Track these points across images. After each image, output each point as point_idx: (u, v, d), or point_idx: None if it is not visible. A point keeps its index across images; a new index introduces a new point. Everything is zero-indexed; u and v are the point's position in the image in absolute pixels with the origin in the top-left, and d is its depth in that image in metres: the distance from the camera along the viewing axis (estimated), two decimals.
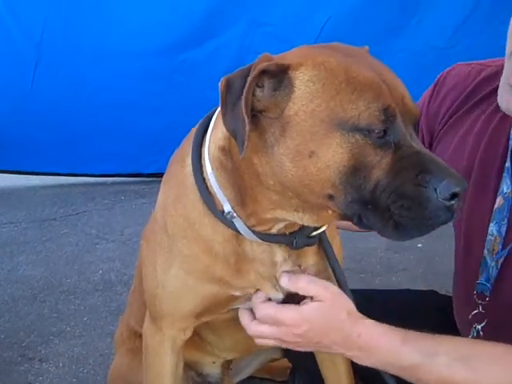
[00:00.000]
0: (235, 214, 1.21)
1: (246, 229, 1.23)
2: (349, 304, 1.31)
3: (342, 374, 1.61)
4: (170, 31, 4.62)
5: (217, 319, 1.47)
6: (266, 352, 1.98)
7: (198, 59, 4.74)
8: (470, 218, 1.54)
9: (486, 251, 1.49)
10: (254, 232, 1.23)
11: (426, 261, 3.07)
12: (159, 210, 1.37)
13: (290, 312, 1.29)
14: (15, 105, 4.77)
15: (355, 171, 1.05)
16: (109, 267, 3.28)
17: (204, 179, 1.24)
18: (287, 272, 1.31)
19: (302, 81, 1.07)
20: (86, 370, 2.32)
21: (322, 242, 1.33)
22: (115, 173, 4.95)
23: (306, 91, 1.06)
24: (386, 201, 1.04)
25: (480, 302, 1.51)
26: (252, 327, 1.33)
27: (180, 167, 1.31)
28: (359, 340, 1.30)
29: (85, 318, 2.73)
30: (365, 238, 3.01)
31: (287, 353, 1.91)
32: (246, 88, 1.03)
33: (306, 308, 1.29)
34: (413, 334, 1.32)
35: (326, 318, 1.29)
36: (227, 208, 1.21)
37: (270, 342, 1.36)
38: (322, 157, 1.05)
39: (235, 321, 1.43)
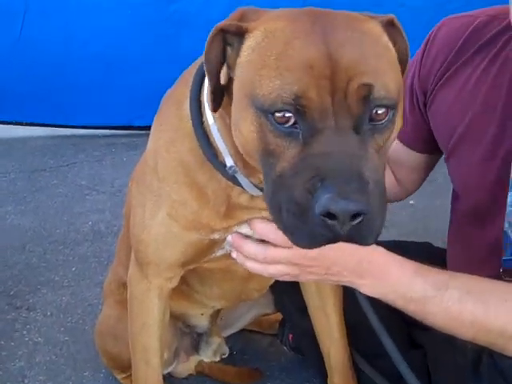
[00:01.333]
0: (237, 169, 1.15)
1: (249, 184, 1.17)
2: None
3: (333, 325, 1.60)
4: None
5: (203, 267, 1.45)
6: (258, 307, 1.97)
7: (189, 10, 4.65)
8: (479, 187, 1.48)
9: (506, 224, 1.41)
10: (256, 186, 1.18)
11: (418, 217, 3.05)
12: (150, 152, 1.32)
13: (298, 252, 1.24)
14: (3, 54, 4.68)
15: (266, 155, 0.96)
16: (99, 218, 3.24)
17: (204, 129, 1.18)
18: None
19: (247, 47, 0.99)
20: (74, 320, 2.30)
21: None
22: (105, 125, 4.89)
23: (245, 59, 0.99)
24: (280, 198, 0.95)
25: (509, 278, 1.41)
26: (266, 267, 1.28)
27: (175, 110, 1.25)
28: (370, 266, 1.27)
29: (73, 268, 2.71)
30: None
31: (279, 306, 1.90)
32: (206, 44, 0.99)
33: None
34: (425, 267, 1.30)
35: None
36: (229, 162, 1.15)
37: (286, 277, 1.32)
38: (242, 131, 0.99)
39: (222, 268, 1.42)
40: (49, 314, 2.35)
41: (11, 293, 2.52)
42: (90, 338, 2.10)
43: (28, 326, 2.27)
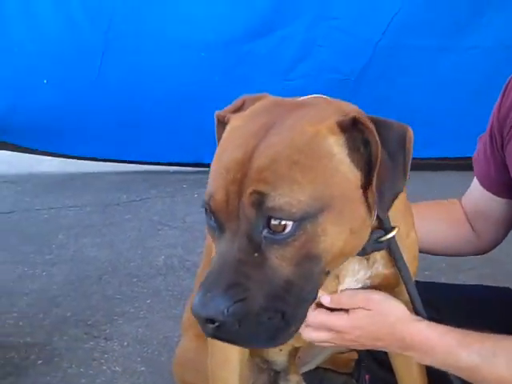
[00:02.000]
0: None
1: None
2: (398, 308, 1.29)
3: (416, 376, 1.59)
4: (234, 23, 4.65)
5: None
6: None
7: (261, 51, 4.75)
8: None
9: None
10: None
11: (494, 260, 3.00)
12: None
13: (339, 320, 1.28)
14: (81, 92, 4.87)
15: None
16: (171, 253, 3.31)
17: None
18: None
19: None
20: (150, 350, 2.35)
21: (390, 247, 1.25)
22: (177, 161, 5.01)
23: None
24: None
25: None
26: (306, 333, 1.32)
27: None
28: (413, 343, 1.28)
29: (148, 301, 2.77)
30: None
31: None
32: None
33: (354, 316, 1.28)
34: (469, 335, 1.29)
35: (375, 325, 1.28)
36: None
37: (327, 345, 1.37)
38: None
39: None
40: (125, 344, 2.41)
41: (89, 322, 2.59)
42: (167, 369, 2.14)
43: (106, 356, 2.33)
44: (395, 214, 1.26)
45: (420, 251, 1.41)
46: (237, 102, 1.10)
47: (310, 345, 1.77)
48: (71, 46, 4.83)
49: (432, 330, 1.30)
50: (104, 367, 2.25)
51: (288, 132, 0.94)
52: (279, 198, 0.90)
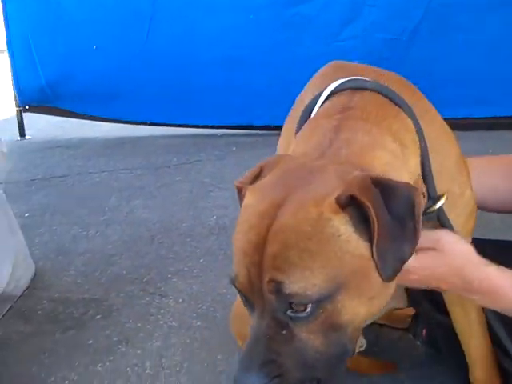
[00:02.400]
0: None
1: None
2: (468, 251, 1.25)
3: (473, 320, 1.57)
4: None
5: None
6: (392, 301, 1.95)
7: (311, 13, 4.70)
8: None
9: None
10: None
11: None
12: None
13: (413, 258, 1.25)
14: (131, 58, 4.91)
15: None
16: (223, 213, 3.33)
17: None
18: None
19: None
20: (204, 307, 2.37)
21: (439, 217, 1.25)
22: (226, 124, 5.01)
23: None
24: None
25: None
26: None
27: None
28: (481, 287, 1.26)
29: (201, 260, 2.79)
30: None
31: (413, 301, 1.88)
32: None
33: (423, 256, 1.25)
34: None
35: (443, 267, 1.24)
36: None
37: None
38: None
39: None
40: (181, 300, 2.44)
41: (144, 280, 2.63)
42: (222, 325, 2.17)
43: (162, 311, 2.36)
44: (446, 176, 1.26)
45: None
46: (254, 171, 1.08)
47: None
48: (119, 11, 4.86)
49: (502, 272, 1.27)
50: (161, 322, 2.29)
51: (294, 215, 0.94)
52: (294, 285, 0.92)
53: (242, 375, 0.96)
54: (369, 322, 1.14)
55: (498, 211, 1.85)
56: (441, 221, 1.25)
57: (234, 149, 4.62)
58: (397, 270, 0.97)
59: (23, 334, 2.26)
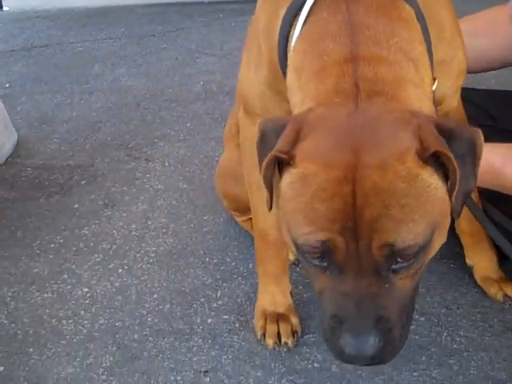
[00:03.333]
0: None
1: None
2: None
3: None
4: None
5: None
6: None
7: None
8: None
9: None
10: None
11: None
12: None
13: None
14: None
15: None
16: (210, 79, 3.23)
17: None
18: None
19: (287, 177, 0.98)
20: (191, 170, 2.33)
21: None
22: None
23: (284, 187, 0.99)
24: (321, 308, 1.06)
25: None
26: None
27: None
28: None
29: (188, 124, 2.73)
30: None
31: None
32: (263, 166, 0.98)
33: None
34: None
35: None
36: None
37: None
38: None
39: None
40: (167, 164, 2.39)
41: (129, 145, 2.57)
42: (209, 187, 2.14)
43: (148, 175, 2.32)
44: (443, 46, 1.19)
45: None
46: (290, 135, 0.97)
47: None
48: None
49: (495, 151, 1.25)
50: (147, 186, 2.25)
51: (383, 176, 0.91)
52: (405, 240, 0.93)
53: (357, 342, 0.98)
54: None
55: (485, 71, 1.79)
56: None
57: (221, 15, 4.44)
58: (463, 207, 0.98)
59: (7, 200, 2.22)
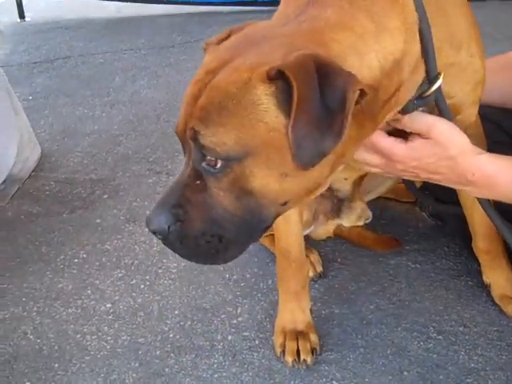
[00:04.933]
0: None
1: None
2: (461, 141, 1.20)
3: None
4: None
5: None
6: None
7: None
8: None
9: None
10: None
11: None
12: None
13: (395, 147, 1.20)
14: None
15: None
16: None
17: None
18: None
19: None
20: None
21: (437, 101, 1.18)
22: (230, 1, 4.83)
23: None
24: None
25: None
26: (359, 153, 1.24)
27: None
28: (474, 178, 1.22)
29: None
30: None
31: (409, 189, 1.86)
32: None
33: (411, 145, 1.20)
34: None
35: (433, 157, 1.21)
36: None
37: (376, 171, 1.31)
38: None
39: None
40: None
41: (150, 159, 2.61)
42: None
43: None
44: (453, 44, 1.18)
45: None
46: (222, 34, 1.11)
47: (373, 175, 1.75)
48: None
49: (494, 161, 1.24)
50: None
51: (227, 76, 0.96)
52: (207, 138, 0.96)
53: (153, 214, 1.06)
54: (296, 206, 1.17)
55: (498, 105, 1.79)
56: (439, 106, 1.19)
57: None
58: (313, 161, 0.95)
59: (32, 214, 2.27)
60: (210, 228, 1.05)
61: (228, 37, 1.10)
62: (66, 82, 3.64)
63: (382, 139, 1.21)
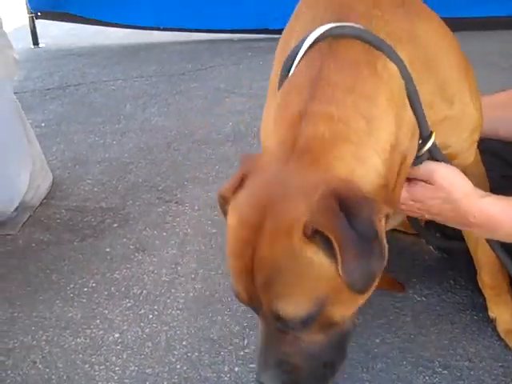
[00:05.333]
0: None
1: None
2: (464, 184, 1.24)
3: None
4: None
5: None
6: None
7: None
8: None
9: None
10: None
11: None
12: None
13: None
14: None
15: None
16: (239, 119, 3.30)
17: None
18: None
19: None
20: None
21: (432, 154, 1.22)
22: (241, 28, 4.89)
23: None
24: None
25: None
26: None
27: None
28: (477, 220, 1.25)
29: (217, 167, 2.79)
30: None
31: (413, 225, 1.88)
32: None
33: (413, 190, 1.25)
34: None
35: (436, 200, 1.25)
36: None
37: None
38: None
39: None
40: (196, 208, 2.46)
41: (160, 187, 2.65)
42: None
43: (178, 219, 2.39)
44: (444, 100, 1.21)
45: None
46: (236, 181, 1.07)
47: None
48: None
49: (497, 203, 1.26)
50: (176, 229, 2.32)
51: (270, 248, 0.98)
52: (285, 311, 1.00)
53: (262, 373, 1.09)
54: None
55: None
56: (434, 157, 1.23)
57: (250, 54, 4.53)
58: (370, 284, 1.00)
59: (43, 242, 2.30)
60: (314, 364, 1.10)
61: (241, 182, 1.07)
62: (78, 109, 3.70)
63: None
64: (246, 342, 1.75)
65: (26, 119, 2.74)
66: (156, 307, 1.91)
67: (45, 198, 2.61)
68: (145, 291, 1.99)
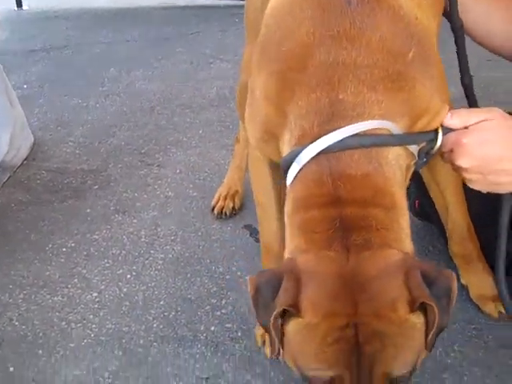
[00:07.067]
0: None
1: None
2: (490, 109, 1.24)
3: (448, 197, 1.60)
4: None
5: None
6: None
7: None
8: None
9: None
10: None
11: None
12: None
13: (462, 134, 1.20)
14: None
15: None
16: (223, 84, 3.28)
17: None
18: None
19: (293, 324, 1.08)
20: (202, 177, 2.39)
21: None
22: None
23: (291, 332, 1.08)
24: None
25: None
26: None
27: None
28: None
29: (200, 131, 2.78)
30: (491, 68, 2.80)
31: None
32: (270, 324, 1.05)
33: (481, 126, 1.21)
34: None
35: (489, 132, 1.21)
36: None
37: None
38: None
39: None
40: (178, 171, 2.45)
41: (142, 151, 2.63)
42: None
43: (159, 182, 2.38)
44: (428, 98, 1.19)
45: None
46: (293, 291, 1.07)
47: None
48: None
49: None
50: (158, 192, 2.31)
51: (379, 322, 1.03)
52: (400, 370, 1.06)
53: None
54: None
55: (497, 52, 1.73)
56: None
57: (237, 20, 4.47)
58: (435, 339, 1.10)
59: (22, 202, 2.29)
60: None
61: (298, 288, 1.08)
62: (62, 71, 3.66)
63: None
64: (223, 302, 1.76)
65: (7, 80, 2.71)
66: (135, 267, 1.92)
67: (26, 159, 2.60)
68: (124, 252, 1.99)
